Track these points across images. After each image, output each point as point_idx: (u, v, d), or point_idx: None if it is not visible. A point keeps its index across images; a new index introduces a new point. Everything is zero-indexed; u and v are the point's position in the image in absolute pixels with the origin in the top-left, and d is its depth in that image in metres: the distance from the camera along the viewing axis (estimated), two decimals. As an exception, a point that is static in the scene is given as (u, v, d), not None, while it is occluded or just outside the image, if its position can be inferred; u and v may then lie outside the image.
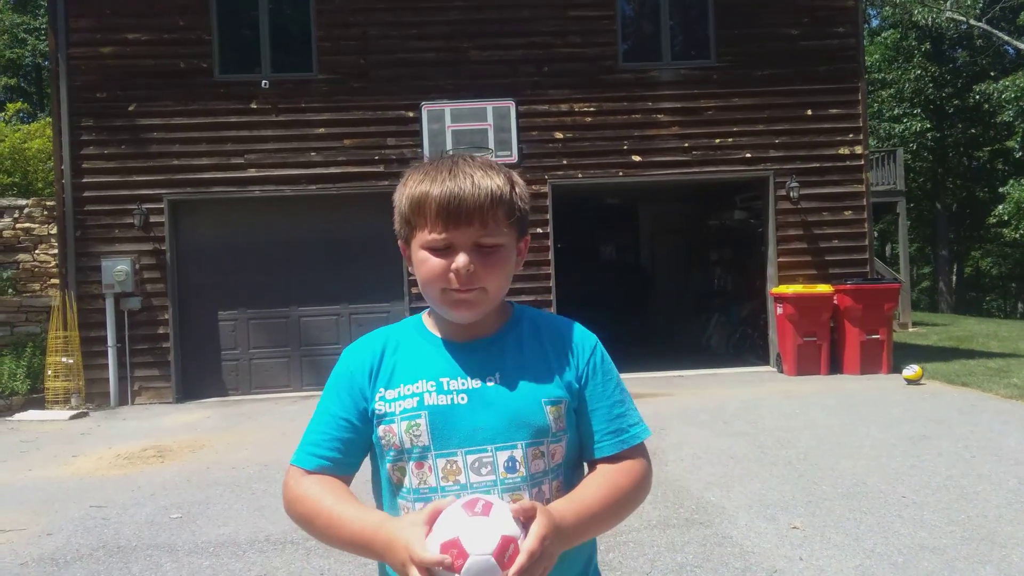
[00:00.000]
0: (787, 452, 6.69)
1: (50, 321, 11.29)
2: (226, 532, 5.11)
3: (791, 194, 11.89)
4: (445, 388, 1.43)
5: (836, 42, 12.20)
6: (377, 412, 1.46)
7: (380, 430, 1.46)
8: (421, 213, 1.42)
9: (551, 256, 11.81)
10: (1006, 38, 29.16)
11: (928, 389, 9.84)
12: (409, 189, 1.45)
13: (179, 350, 11.64)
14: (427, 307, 1.55)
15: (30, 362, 11.52)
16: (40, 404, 11.05)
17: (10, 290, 12.38)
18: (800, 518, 4.93)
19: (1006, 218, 28.01)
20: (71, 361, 11.09)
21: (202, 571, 4.44)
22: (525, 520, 1.27)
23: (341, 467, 1.49)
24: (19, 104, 18.85)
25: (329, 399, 1.52)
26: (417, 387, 1.44)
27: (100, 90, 11.61)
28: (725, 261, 15.45)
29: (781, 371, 11.68)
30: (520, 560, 1.23)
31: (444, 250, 1.41)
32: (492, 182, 1.42)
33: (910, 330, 18.90)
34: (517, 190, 1.47)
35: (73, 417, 10.41)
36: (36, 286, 12.64)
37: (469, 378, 1.44)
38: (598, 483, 1.45)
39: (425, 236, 1.42)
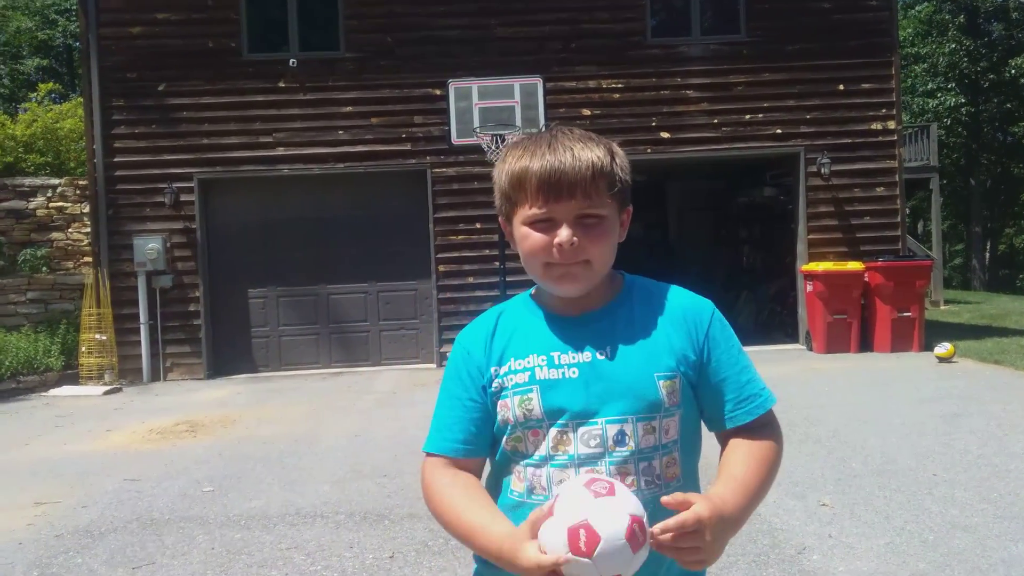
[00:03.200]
0: (816, 430, 6.65)
1: (83, 298, 11.46)
2: (257, 506, 5.18)
3: (822, 170, 11.75)
4: (556, 362, 1.43)
5: (869, 15, 12.00)
6: (493, 389, 1.46)
7: (498, 405, 1.46)
8: (522, 189, 1.41)
9: (578, 234, 11.76)
10: (1044, 10, 28.53)
11: (960, 367, 9.72)
12: (508, 165, 1.44)
13: (210, 327, 11.77)
14: (532, 284, 1.55)
15: (64, 339, 11.70)
16: (74, 380, 11.23)
17: (44, 268, 12.54)
18: (829, 495, 4.90)
19: (1042, 194, 27.54)
20: (104, 338, 11.25)
21: (233, 543, 4.50)
22: (681, 509, 1.26)
23: (473, 449, 1.49)
24: (51, 85, 18.98)
25: (451, 382, 1.52)
26: (528, 362, 1.44)
27: (130, 70, 11.69)
28: (754, 238, 15.32)
29: (810, 349, 11.59)
30: (669, 523, 1.24)
31: (546, 224, 1.40)
32: (592, 154, 1.40)
33: (942, 308, 18.66)
34: (618, 161, 1.45)
35: (107, 393, 10.58)
36: (69, 264, 12.80)
37: (580, 352, 1.43)
38: (747, 460, 1.43)
39: (526, 211, 1.41)
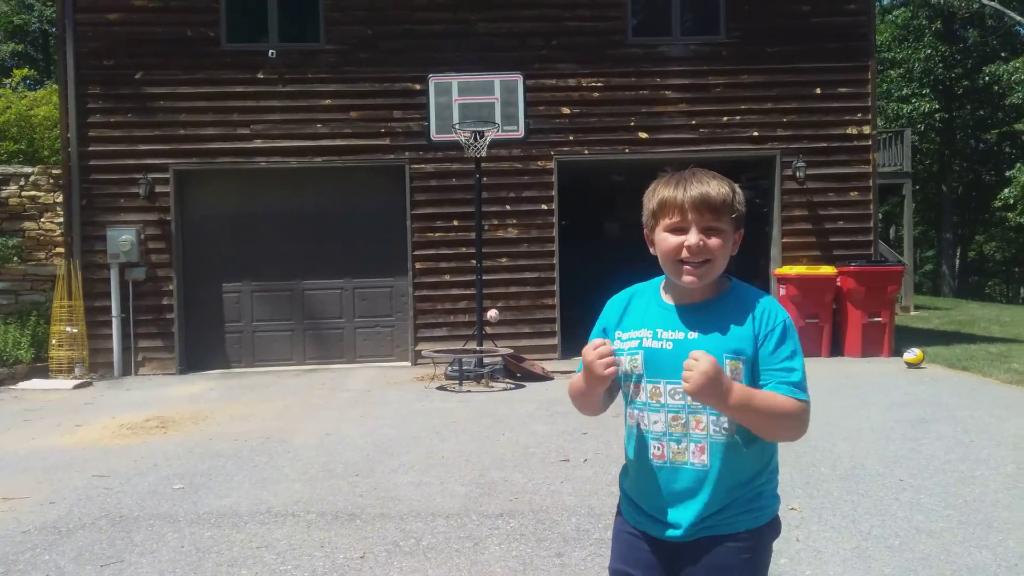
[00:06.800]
0: (787, 433, 6.69)
1: (55, 290, 11.31)
2: (228, 503, 5.15)
3: (797, 174, 11.83)
4: (658, 336, 1.97)
5: (847, 19, 12.08)
6: (616, 348, 1.99)
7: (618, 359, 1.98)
8: (668, 206, 1.95)
9: (555, 233, 11.79)
10: (1018, 18, 28.89)
11: (929, 373, 9.85)
12: (660, 191, 1.98)
13: (183, 321, 11.67)
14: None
15: (34, 331, 11.55)
16: (44, 373, 11.10)
17: (15, 258, 12.38)
18: (798, 500, 4.95)
19: (1011, 202, 27.89)
20: (75, 331, 11.12)
21: (203, 541, 4.48)
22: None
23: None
24: (25, 71, 18.67)
25: (595, 328, 2.13)
26: (640, 333, 2.00)
27: (107, 57, 11.55)
28: (729, 240, 15.39)
29: (783, 351, 11.66)
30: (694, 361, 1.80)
31: (680, 232, 1.93)
32: (724, 187, 1.97)
33: (912, 313, 18.88)
34: (737, 196, 2.00)
35: (77, 387, 10.47)
36: (41, 255, 12.65)
37: (677, 331, 1.97)
38: (765, 393, 1.90)
39: (668, 221, 1.95)
